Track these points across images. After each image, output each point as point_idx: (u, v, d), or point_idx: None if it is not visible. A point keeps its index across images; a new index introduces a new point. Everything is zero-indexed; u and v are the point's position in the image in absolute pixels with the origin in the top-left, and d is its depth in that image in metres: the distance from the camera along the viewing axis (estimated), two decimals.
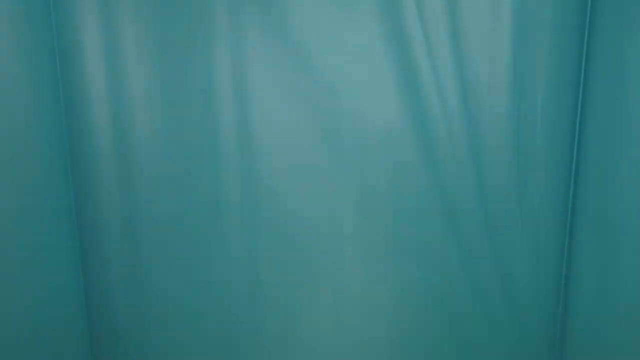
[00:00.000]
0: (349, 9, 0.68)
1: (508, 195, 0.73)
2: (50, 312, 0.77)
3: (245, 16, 0.68)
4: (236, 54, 0.69)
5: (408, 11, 0.67)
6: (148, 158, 0.73)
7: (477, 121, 0.70)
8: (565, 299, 0.78)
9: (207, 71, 0.70)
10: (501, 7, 0.66)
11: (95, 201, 0.76)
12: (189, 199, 0.74)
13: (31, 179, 0.73)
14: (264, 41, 0.69)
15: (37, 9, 0.69)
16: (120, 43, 0.70)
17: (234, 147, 0.72)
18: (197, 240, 0.75)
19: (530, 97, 0.69)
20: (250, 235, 0.74)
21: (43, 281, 0.75)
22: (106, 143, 0.73)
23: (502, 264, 0.75)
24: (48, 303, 0.77)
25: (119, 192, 0.75)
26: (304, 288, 0.77)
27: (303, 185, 0.73)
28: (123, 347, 0.81)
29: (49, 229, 0.76)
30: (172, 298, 0.78)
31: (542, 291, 0.77)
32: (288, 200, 0.74)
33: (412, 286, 0.77)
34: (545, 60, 0.68)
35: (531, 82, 0.69)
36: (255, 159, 0.72)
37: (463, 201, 0.73)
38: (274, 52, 0.69)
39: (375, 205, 0.74)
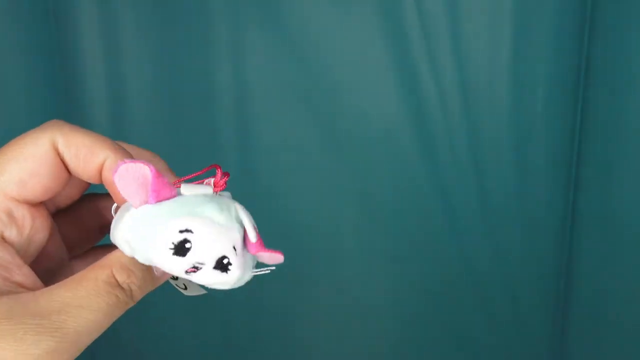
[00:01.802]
0: (349, 8, 0.68)
1: (508, 195, 0.73)
2: None
3: (245, 16, 0.68)
4: (236, 54, 0.69)
5: (408, 11, 0.67)
6: None
7: (477, 120, 0.70)
8: (566, 299, 0.78)
9: (207, 71, 0.70)
10: (501, 7, 0.66)
11: None
12: None
13: None
14: (264, 41, 0.69)
15: (36, 9, 0.69)
16: (119, 43, 0.70)
17: (234, 146, 0.72)
18: None
19: (530, 97, 0.69)
20: None
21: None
22: None
23: (502, 263, 0.75)
24: None
25: None
26: (304, 287, 0.77)
27: (303, 185, 0.73)
28: (122, 347, 0.81)
29: None
30: (171, 298, 0.78)
31: (542, 291, 0.77)
32: (288, 200, 0.74)
33: (412, 286, 0.77)
34: (545, 59, 0.68)
35: (531, 82, 0.69)
36: (255, 159, 0.72)
37: (463, 201, 0.73)
38: (274, 52, 0.69)
39: (375, 205, 0.74)
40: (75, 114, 0.73)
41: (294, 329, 0.78)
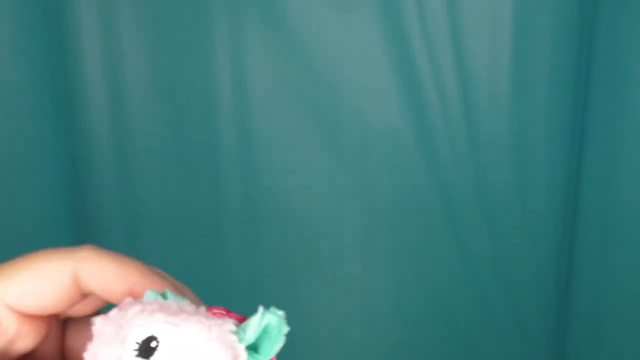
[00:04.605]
0: (349, 9, 0.68)
1: (508, 195, 0.73)
2: None
3: (245, 16, 0.68)
4: (236, 54, 0.69)
5: (408, 11, 0.67)
6: (147, 158, 0.73)
7: (477, 120, 0.70)
8: (566, 299, 0.78)
9: (207, 71, 0.70)
10: (501, 7, 0.66)
11: (93, 201, 0.76)
12: (188, 199, 0.74)
13: (29, 180, 0.73)
14: (264, 41, 0.69)
15: (36, 9, 0.69)
16: (119, 43, 0.70)
17: (234, 147, 0.72)
18: (196, 240, 0.75)
19: (530, 97, 0.69)
20: (250, 235, 0.74)
21: None
22: (105, 143, 0.73)
23: (502, 264, 0.75)
24: None
25: (118, 191, 0.75)
26: (304, 288, 0.77)
27: (303, 185, 0.73)
28: None
29: (47, 230, 0.76)
30: None
31: (542, 291, 0.77)
32: (288, 200, 0.74)
33: (412, 286, 0.77)
34: (545, 60, 0.68)
35: (531, 82, 0.69)
36: (255, 158, 0.72)
37: (463, 201, 0.73)
38: (274, 52, 0.69)
39: (376, 205, 0.74)
40: (75, 114, 0.73)
41: (294, 328, 0.78)
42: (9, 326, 0.26)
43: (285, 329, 0.25)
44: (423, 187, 0.72)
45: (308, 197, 0.73)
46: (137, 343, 0.23)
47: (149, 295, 0.25)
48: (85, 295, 0.27)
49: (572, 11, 0.68)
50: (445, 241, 0.74)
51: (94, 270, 0.27)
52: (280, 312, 0.25)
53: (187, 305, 0.25)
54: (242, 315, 0.26)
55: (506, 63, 0.68)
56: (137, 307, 0.24)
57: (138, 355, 0.22)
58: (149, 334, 0.23)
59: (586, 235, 0.74)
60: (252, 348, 0.25)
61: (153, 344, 0.23)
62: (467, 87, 0.69)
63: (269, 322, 0.25)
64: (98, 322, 0.24)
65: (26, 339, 0.27)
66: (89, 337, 0.27)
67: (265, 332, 0.25)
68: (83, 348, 0.27)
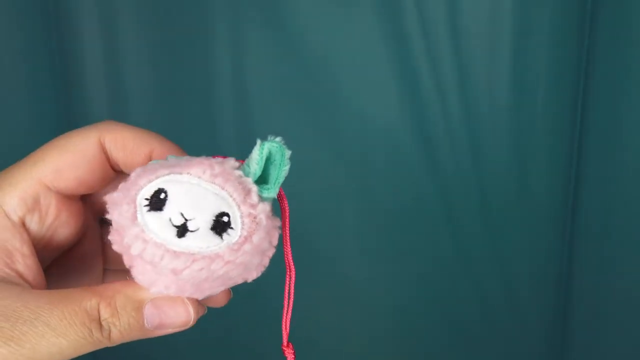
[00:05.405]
0: (349, 8, 0.68)
1: (508, 195, 0.73)
2: None
3: (245, 17, 0.68)
4: (236, 54, 0.69)
5: (408, 11, 0.67)
6: None
7: (477, 120, 0.70)
8: (566, 299, 0.78)
9: (206, 71, 0.70)
10: (501, 7, 0.66)
11: None
12: None
13: None
14: (264, 41, 0.69)
15: (36, 10, 0.69)
16: (119, 44, 0.70)
17: (234, 146, 0.72)
18: None
19: (530, 97, 0.69)
20: None
21: None
22: None
23: (502, 263, 0.75)
24: None
25: None
26: (303, 288, 0.77)
27: (303, 185, 0.73)
28: (121, 347, 0.81)
29: None
30: None
31: (542, 291, 0.77)
32: (288, 200, 0.74)
33: (412, 286, 0.77)
34: (545, 59, 0.68)
35: (531, 82, 0.69)
36: None
37: (463, 200, 0.73)
38: (274, 52, 0.69)
39: (375, 205, 0.74)
40: (75, 114, 0.73)
41: (294, 328, 0.78)
42: (48, 206, 0.27)
43: (287, 152, 0.24)
44: (423, 186, 0.72)
45: (308, 197, 0.73)
46: (147, 199, 0.23)
47: (169, 158, 0.25)
48: (114, 169, 0.28)
49: (572, 11, 0.68)
50: (445, 241, 0.74)
51: (116, 136, 0.27)
52: (278, 138, 0.24)
53: (187, 157, 0.25)
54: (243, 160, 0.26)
55: (506, 63, 0.68)
56: (139, 169, 0.24)
57: (150, 210, 0.23)
58: (155, 188, 0.23)
59: (586, 234, 0.74)
60: (261, 182, 0.25)
61: (162, 196, 0.23)
62: (466, 87, 0.69)
63: (270, 150, 0.24)
64: (107, 195, 0.25)
65: (66, 227, 0.27)
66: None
67: (269, 161, 0.24)
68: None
